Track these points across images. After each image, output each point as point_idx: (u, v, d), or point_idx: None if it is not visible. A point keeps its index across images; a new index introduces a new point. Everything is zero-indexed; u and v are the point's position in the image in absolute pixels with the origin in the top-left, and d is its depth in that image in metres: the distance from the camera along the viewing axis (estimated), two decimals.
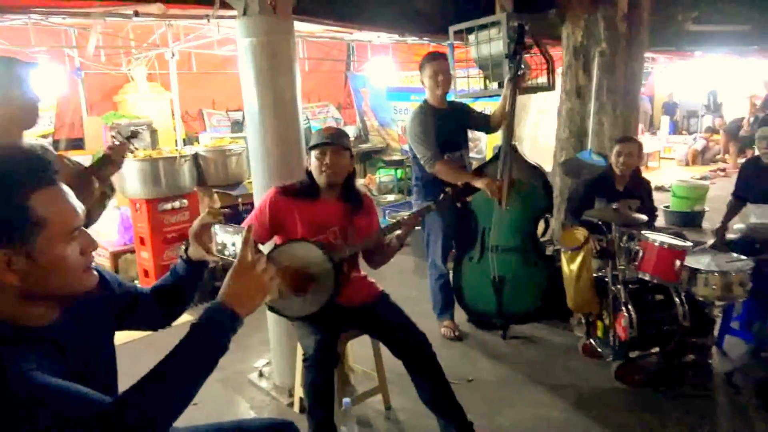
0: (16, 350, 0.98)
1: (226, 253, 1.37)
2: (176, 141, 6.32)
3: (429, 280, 3.58)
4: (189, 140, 7.04)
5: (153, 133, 6.27)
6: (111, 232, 4.86)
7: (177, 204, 4.44)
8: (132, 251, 4.66)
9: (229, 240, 1.36)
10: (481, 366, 3.14)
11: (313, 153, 2.30)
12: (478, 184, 3.07)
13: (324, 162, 2.27)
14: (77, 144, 6.64)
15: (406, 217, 2.30)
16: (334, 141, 2.28)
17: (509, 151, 3.17)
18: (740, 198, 3.31)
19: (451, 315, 3.55)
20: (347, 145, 2.35)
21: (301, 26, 5.02)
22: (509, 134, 3.18)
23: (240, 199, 4.84)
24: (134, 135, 2.90)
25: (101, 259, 4.69)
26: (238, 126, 7.67)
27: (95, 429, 0.96)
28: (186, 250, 1.45)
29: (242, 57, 2.62)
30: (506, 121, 3.19)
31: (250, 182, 3.59)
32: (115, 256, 4.67)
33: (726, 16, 5.50)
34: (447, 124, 3.30)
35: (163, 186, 4.35)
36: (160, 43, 6.15)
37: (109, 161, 2.28)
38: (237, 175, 4.99)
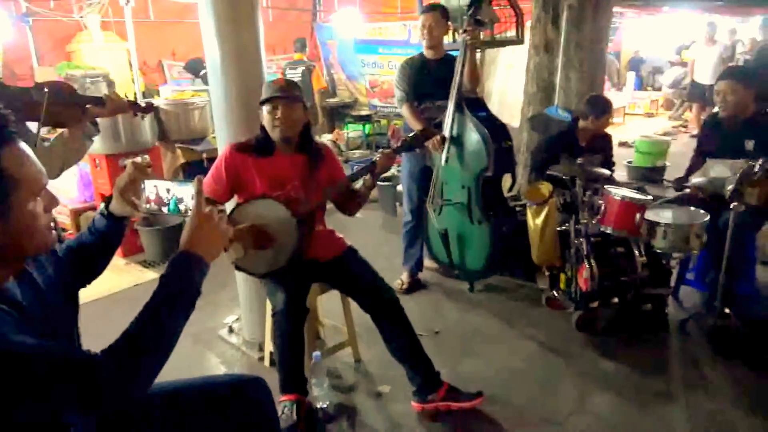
0: None
1: (182, 207, 1.38)
2: (135, 94, 6.08)
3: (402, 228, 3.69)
4: (149, 93, 6.77)
5: (110, 85, 6.00)
6: (71, 188, 4.70)
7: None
8: (93, 208, 4.53)
9: (186, 193, 1.37)
10: (449, 318, 3.22)
11: (264, 107, 2.24)
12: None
13: (276, 116, 2.22)
14: None
15: (376, 158, 2.29)
16: (284, 94, 2.22)
17: (456, 105, 3.16)
18: (702, 153, 3.39)
19: (411, 267, 3.60)
20: (299, 97, 2.28)
21: None
22: (458, 87, 3.15)
23: (204, 155, 4.73)
24: (148, 110, 2.52)
25: (62, 217, 4.55)
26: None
27: (91, 380, 0.97)
28: (107, 205, 1.42)
29: (202, 4, 2.50)
30: (456, 74, 3.15)
31: (215, 137, 3.50)
32: (76, 214, 4.53)
33: None
34: (433, 75, 3.31)
35: (123, 141, 4.19)
36: None
37: (102, 103, 2.18)
38: (200, 129, 4.86)
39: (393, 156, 2.33)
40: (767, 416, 2.29)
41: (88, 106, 2.15)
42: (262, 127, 2.30)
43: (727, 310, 2.80)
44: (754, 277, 3.30)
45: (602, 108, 3.33)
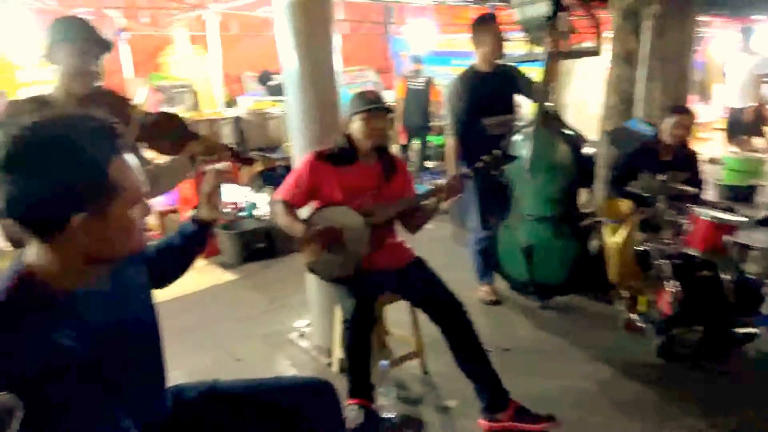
0: (46, 317, 1.01)
1: (256, 213, 1.46)
2: (217, 103, 6.39)
3: (470, 244, 3.60)
4: (228, 103, 7.10)
5: (194, 95, 6.35)
6: None
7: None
8: (176, 211, 4.79)
9: (260, 199, 1.45)
10: (519, 334, 3.14)
11: (359, 117, 2.30)
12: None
13: (372, 126, 2.30)
14: None
15: (446, 182, 2.28)
16: (380, 105, 2.32)
17: (539, 120, 3.07)
18: None
19: (489, 280, 3.57)
20: (390, 107, 2.40)
21: None
22: (542, 102, 3.07)
23: (281, 162, 4.89)
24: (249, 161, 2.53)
25: (148, 218, 4.84)
26: (277, 89, 7.67)
27: None
28: (197, 212, 1.53)
29: (279, 18, 2.59)
30: (540, 88, 3.07)
31: (289, 145, 3.61)
32: (162, 216, 4.81)
33: None
34: (493, 88, 3.26)
35: None
36: (201, 4, 6.17)
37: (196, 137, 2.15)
38: (277, 138, 5.04)
39: (463, 180, 2.31)
40: None
41: (186, 144, 2.11)
42: (347, 136, 2.35)
43: None
44: None
45: (682, 108, 3.28)
